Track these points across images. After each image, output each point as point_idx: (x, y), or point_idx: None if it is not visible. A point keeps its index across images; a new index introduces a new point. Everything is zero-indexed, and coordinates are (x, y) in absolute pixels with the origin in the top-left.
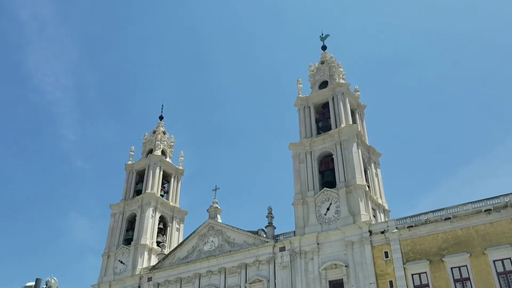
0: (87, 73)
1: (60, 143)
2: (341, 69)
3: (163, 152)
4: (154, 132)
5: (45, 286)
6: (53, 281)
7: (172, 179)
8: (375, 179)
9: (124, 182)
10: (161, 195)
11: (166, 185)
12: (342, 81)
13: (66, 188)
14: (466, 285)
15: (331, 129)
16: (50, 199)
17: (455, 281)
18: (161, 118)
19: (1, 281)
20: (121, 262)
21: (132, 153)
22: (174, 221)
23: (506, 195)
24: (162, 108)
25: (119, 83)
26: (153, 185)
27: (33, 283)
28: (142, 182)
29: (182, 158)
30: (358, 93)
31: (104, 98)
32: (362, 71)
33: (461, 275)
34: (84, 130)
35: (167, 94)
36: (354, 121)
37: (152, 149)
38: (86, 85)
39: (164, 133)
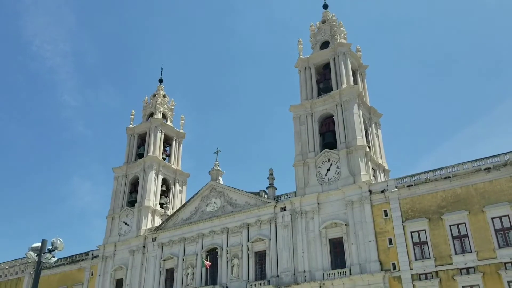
0: (85, 39)
1: (62, 110)
2: (343, 29)
3: (164, 116)
4: (154, 95)
5: (51, 247)
6: (58, 242)
7: (174, 142)
8: (376, 139)
9: (126, 145)
10: (163, 158)
11: (167, 149)
12: (343, 41)
13: (68, 153)
14: (464, 242)
15: (332, 90)
16: (53, 165)
17: (454, 238)
18: (160, 81)
19: (8, 243)
20: (126, 223)
21: (132, 116)
22: (177, 183)
23: (506, 153)
24: (161, 71)
25: (117, 47)
26: (155, 148)
27: (39, 244)
28: (144, 145)
29: (183, 121)
30: (360, 53)
31: (103, 62)
32: (364, 30)
33: (459, 232)
34: (84, 96)
35: (166, 57)
36: (355, 82)
37: (152, 113)
38: (85, 50)
39: (164, 96)
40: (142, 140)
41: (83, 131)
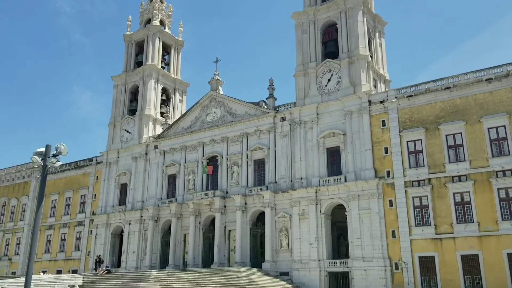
0: None
1: (58, 17)
2: None
3: (162, 23)
4: (151, 0)
5: (55, 152)
6: (62, 147)
7: (172, 50)
8: (379, 49)
9: (124, 53)
10: (162, 67)
11: (166, 57)
12: None
13: (67, 62)
14: (458, 151)
15: None
16: (52, 74)
17: (449, 147)
18: None
19: (13, 151)
20: (127, 131)
21: (129, 23)
22: (177, 93)
23: (509, 64)
24: None
25: None
26: (154, 56)
27: (43, 149)
28: (142, 53)
29: (181, 29)
30: None
31: None
32: None
33: (455, 141)
34: (79, 2)
35: None
36: None
37: (150, 19)
38: None
39: (161, 1)
40: (140, 48)
41: (80, 39)
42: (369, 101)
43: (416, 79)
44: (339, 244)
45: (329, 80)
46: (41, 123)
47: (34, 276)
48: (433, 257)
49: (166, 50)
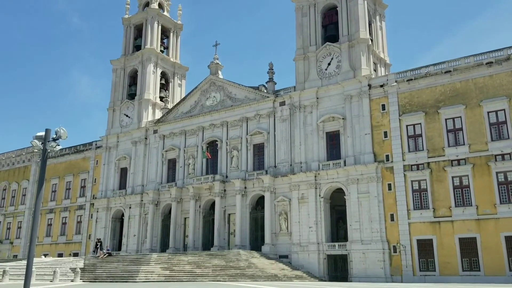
0: None
1: (55, 1)
2: None
3: (160, 5)
4: None
5: (54, 136)
6: (62, 131)
7: (171, 34)
8: (379, 32)
9: (123, 37)
10: (161, 51)
11: (165, 41)
12: None
13: (65, 47)
14: (458, 135)
15: None
16: (51, 59)
17: (448, 131)
18: None
19: (13, 134)
20: (127, 115)
21: (128, 6)
22: (176, 77)
23: (509, 47)
24: None
25: None
26: (152, 40)
27: (43, 133)
28: (141, 37)
29: (180, 12)
30: None
31: None
32: None
33: (454, 125)
34: None
35: None
36: None
37: (148, 2)
38: None
39: None
40: (139, 32)
41: (78, 23)
42: (369, 85)
43: (416, 63)
44: (338, 228)
45: (329, 64)
46: (40, 108)
47: (35, 259)
48: (431, 240)
49: (165, 33)
